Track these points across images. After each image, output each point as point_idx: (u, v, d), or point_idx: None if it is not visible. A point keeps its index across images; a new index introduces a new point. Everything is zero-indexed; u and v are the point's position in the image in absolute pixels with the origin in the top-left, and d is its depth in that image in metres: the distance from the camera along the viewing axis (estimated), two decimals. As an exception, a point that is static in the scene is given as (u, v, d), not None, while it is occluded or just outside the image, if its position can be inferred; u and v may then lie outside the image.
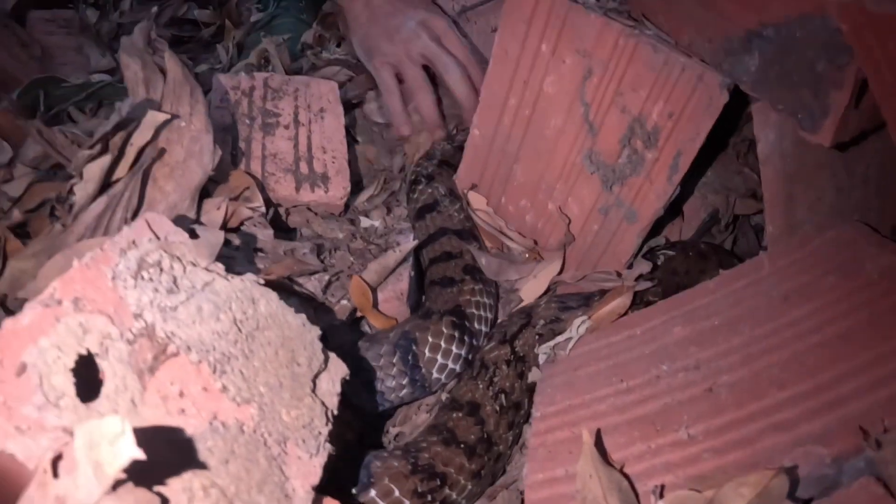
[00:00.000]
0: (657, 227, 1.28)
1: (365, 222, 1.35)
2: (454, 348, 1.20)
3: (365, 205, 1.43)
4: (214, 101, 1.37)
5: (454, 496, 1.10)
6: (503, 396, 1.21)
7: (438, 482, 1.08)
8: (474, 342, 1.24)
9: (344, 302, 1.20)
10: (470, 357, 1.24)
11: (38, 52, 1.81)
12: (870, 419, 0.91)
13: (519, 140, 1.31)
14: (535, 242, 1.37)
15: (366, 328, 1.23)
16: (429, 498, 1.07)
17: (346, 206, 1.37)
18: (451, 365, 1.20)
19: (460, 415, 1.16)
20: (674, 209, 1.25)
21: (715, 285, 1.20)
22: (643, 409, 1.07)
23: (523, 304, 1.29)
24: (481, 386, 1.19)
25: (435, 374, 1.18)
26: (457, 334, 1.20)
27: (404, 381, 1.16)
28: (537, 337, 1.24)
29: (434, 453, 1.09)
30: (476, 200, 1.38)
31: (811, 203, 1.26)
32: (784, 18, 1.08)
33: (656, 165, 1.20)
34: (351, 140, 1.55)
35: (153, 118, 1.09)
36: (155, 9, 1.74)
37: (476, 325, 1.23)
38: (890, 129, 1.03)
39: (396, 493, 1.04)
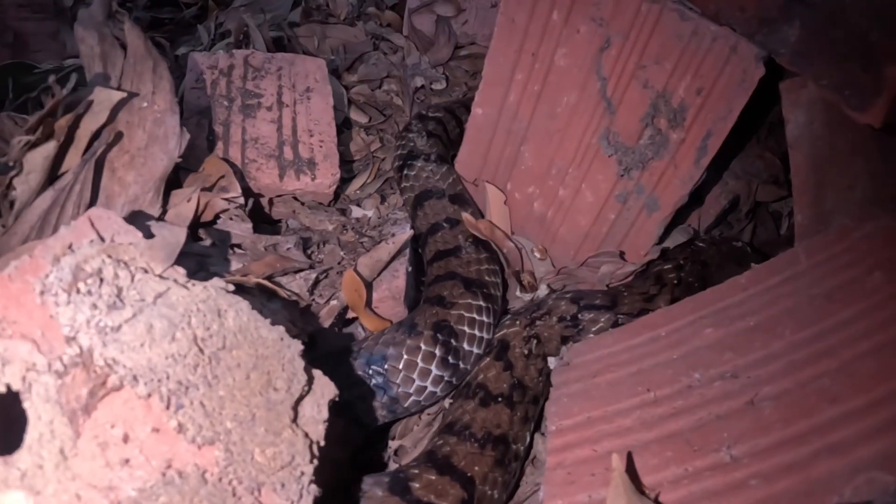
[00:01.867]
0: (678, 217, 1.04)
1: (357, 212, 1.11)
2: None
3: (357, 193, 1.19)
4: (189, 81, 1.13)
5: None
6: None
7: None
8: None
9: (334, 302, 0.95)
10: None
11: (10, 38, 1.54)
12: (937, 439, 0.71)
13: (527, 119, 1.07)
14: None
15: (360, 331, 0.99)
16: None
17: (337, 194, 1.14)
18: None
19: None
20: (694, 194, 1.01)
21: (747, 281, 0.97)
22: (675, 423, 0.85)
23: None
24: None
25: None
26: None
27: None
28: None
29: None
30: (494, 196, 1.11)
31: (842, 191, 1.03)
32: None
33: (682, 147, 0.96)
34: (344, 122, 1.30)
35: (107, 97, 0.84)
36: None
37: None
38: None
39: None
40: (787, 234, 1.22)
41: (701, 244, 1.11)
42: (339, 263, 1.01)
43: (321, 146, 1.10)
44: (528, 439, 0.96)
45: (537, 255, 1.11)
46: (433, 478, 0.83)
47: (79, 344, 0.60)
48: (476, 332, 0.95)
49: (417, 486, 0.83)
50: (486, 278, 1.00)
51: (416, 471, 0.84)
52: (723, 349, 0.91)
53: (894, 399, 0.75)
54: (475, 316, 0.94)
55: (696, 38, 0.90)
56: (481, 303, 0.95)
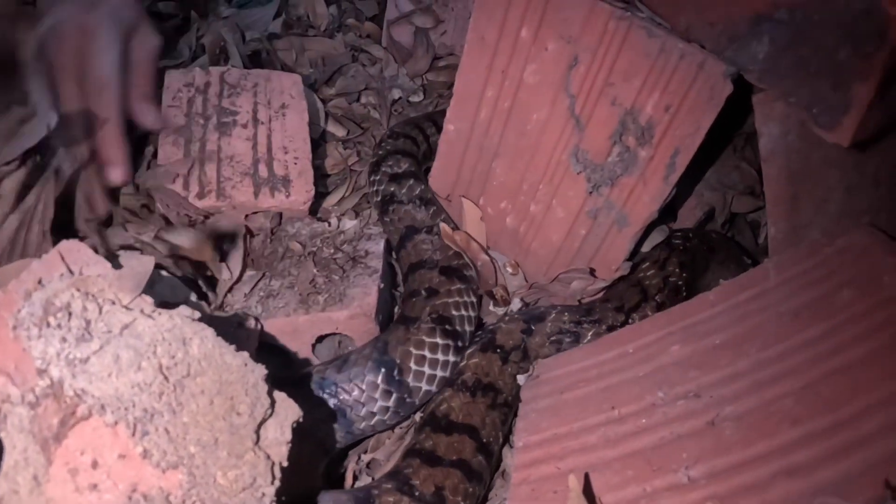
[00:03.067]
0: (650, 230, 1.08)
1: (333, 225, 1.14)
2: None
3: (335, 208, 1.22)
4: (166, 100, 1.15)
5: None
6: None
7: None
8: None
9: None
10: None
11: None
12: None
13: (498, 136, 1.09)
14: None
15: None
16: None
17: (314, 209, 1.16)
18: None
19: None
20: (667, 208, 1.04)
21: (716, 297, 1.00)
22: (638, 442, 0.88)
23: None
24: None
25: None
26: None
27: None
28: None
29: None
30: (471, 212, 1.15)
31: (817, 204, 1.06)
32: (800, 0, 0.87)
33: (651, 164, 0.99)
34: (322, 135, 1.35)
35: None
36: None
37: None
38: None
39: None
40: (765, 243, 1.24)
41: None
42: (310, 282, 1.06)
43: (296, 163, 1.12)
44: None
45: (509, 269, 1.13)
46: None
47: (50, 376, 0.64)
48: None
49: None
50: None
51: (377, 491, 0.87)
52: (688, 367, 0.93)
53: (855, 422, 0.77)
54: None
55: (664, 55, 0.92)
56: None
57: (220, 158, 1.11)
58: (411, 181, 1.18)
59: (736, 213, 1.24)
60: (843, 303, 0.92)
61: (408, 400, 0.99)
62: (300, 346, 1.05)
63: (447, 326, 1.01)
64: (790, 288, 0.98)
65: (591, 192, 1.02)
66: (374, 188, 1.20)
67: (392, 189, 1.17)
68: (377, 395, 0.96)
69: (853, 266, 0.96)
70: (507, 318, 1.07)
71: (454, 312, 1.03)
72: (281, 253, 1.12)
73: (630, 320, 1.06)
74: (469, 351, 1.03)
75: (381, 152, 1.23)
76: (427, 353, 0.99)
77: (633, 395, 0.94)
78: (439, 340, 0.99)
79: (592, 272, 1.06)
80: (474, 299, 1.07)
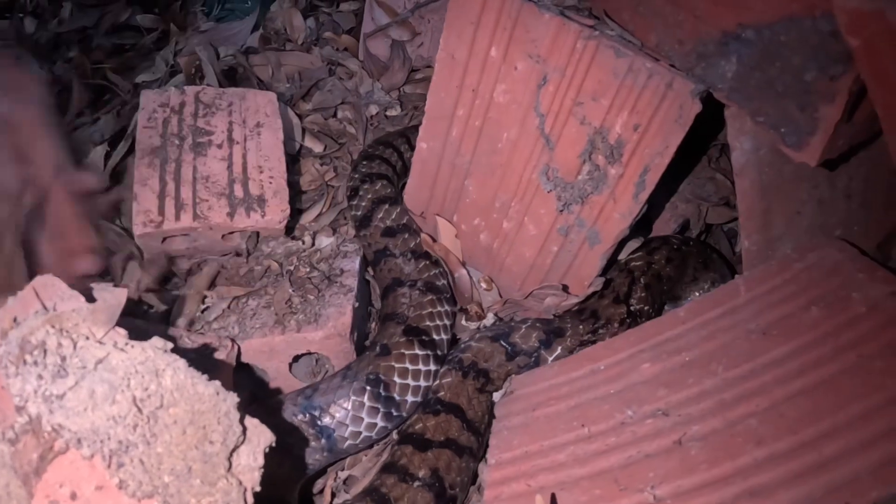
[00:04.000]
0: (622, 246, 1.11)
1: (308, 243, 1.18)
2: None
3: (312, 224, 1.24)
4: (142, 120, 1.16)
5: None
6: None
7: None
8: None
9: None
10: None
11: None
12: (857, 488, 0.77)
13: (470, 153, 1.11)
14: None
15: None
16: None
17: (291, 227, 1.18)
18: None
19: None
20: (642, 221, 1.08)
21: (686, 314, 1.03)
22: (606, 461, 0.91)
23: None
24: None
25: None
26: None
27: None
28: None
29: None
30: (446, 230, 1.17)
31: (790, 216, 1.09)
32: (767, 20, 0.88)
33: (620, 182, 1.01)
34: (298, 152, 1.37)
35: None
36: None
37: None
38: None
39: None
40: (741, 253, 1.29)
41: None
42: (286, 302, 1.10)
43: (271, 182, 1.14)
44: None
45: (483, 285, 1.15)
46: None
47: (28, 413, 0.66)
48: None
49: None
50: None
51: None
52: (657, 385, 0.95)
53: (818, 444, 0.80)
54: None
55: (632, 74, 0.93)
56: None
57: (195, 179, 1.13)
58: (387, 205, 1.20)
59: (711, 224, 1.27)
60: (811, 321, 0.94)
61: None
62: (277, 364, 1.08)
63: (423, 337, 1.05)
64: (760, 305, 1.00)
65: (561, 211, 1.04)
66: (353, 212, 1.22)
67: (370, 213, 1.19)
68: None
69: (823, 282, 0.99)
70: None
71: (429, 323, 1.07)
72: (258, 272, 1.15)
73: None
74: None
75: (356, 176, 1.25)
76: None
77: (603, 413, 0.97)
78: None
79: (565, 288, 1.09)
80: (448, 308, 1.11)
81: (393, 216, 1.17)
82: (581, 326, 1.08)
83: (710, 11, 0.93)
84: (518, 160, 1.07)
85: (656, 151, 0.97)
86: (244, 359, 1.06)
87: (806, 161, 0.91)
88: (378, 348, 1.03)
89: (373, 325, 1.18)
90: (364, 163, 1.25)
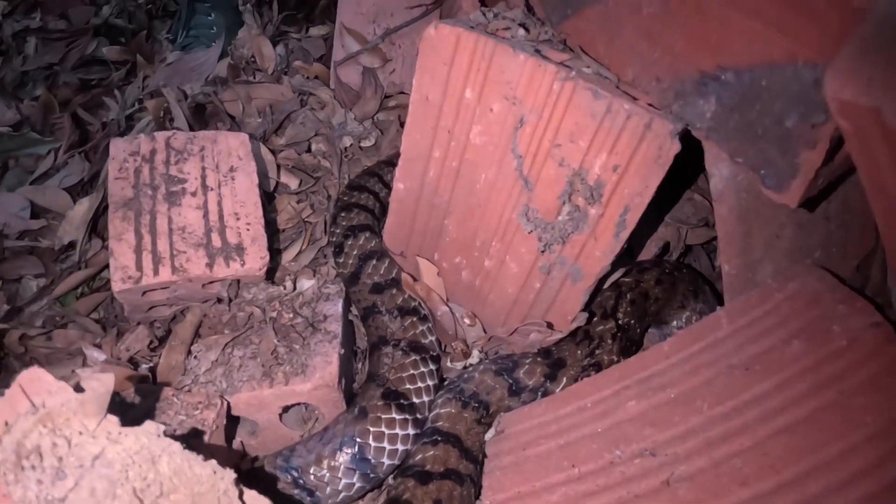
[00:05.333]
0: (604, 281, 1.06)
1: (289, 286, 1.11)
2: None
3: (292, 264, 1.16)
4: (113, 171, 1.07)
5: None
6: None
7: None
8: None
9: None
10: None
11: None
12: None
13: (448, 194, 1.03)
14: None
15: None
16: None
17: (272, 270, 1.10)
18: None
19: None
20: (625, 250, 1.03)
21: (670, 348, 0.98)
22: (597, 502, 0.87)
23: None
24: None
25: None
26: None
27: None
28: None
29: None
30: (427, 270, 1.10)
31: (769, 240, 1.04)
32: (747, 64, 0.81)
33: (601, 222, 0.94)
34: (274, 189, 1.29)
35: None
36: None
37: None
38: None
39: None
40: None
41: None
42: (272, 353, 1.04)
43: (248, 229, 1.06)
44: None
45: (467, 320, 1.09)
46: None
47: None
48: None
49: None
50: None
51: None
52: (644, 424, 0.90)
53: (801, 482, 0.77)
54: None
55: (610, 115, 0.86)
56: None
57: (171, 230, 1.04)
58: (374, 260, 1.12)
59: (691, 245, 1.22)
60: (792, 355, 0.89)
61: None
62: (267, 416, 1.00)
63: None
64: (742, 338, 0.95)
65: (543, 251, 0.99)
66: (340, 269, 1.15)
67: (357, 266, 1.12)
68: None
69: (803, 314, 0.94)
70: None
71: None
72: (241, 318, 1.08)
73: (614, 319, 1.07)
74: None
75: (337, 231, 1.17)
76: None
77: (592, 452, 0.92)
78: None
79: (550, 325, 1.04)
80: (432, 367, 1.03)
81: (381, 271, 1.09)
82: (579, 351, 1.03)
83: (687, 51, 0.86)
84: (497, 201, 1.00)
85: (636, 192, 0.91)
86: (234, 412, 0.99)
87: (787, 202, 0.85)
88: (357, 410, 0.96)
89: (359, 365, 1.13)
90: (343, 214, 1.16)
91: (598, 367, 1.04)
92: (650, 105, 0.90)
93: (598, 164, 0.92)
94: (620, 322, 1.07)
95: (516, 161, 0.96)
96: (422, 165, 1.04)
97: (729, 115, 0.86)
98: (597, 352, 1.05)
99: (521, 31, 0.97)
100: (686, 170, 1.23)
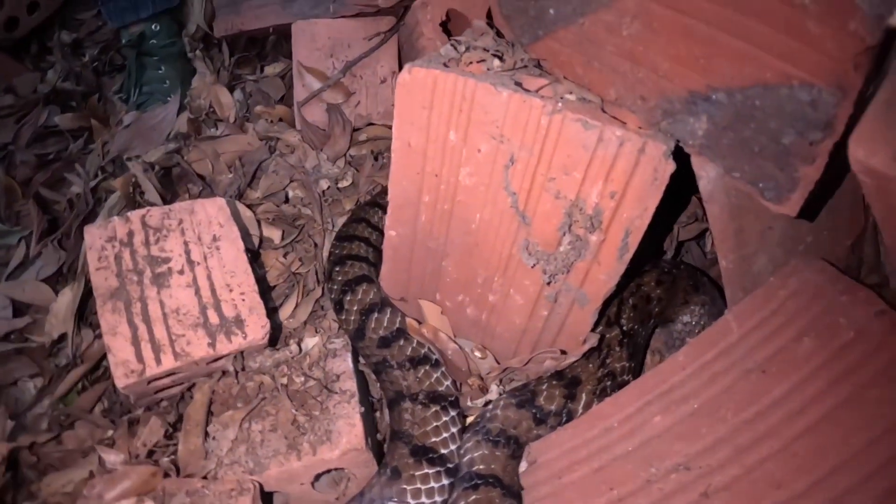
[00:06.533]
0: (611, 300, 1.01)
1: (294, 347, 1.04)
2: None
3: (290, 321, 1.08)
4: (92, 262, 0.96)
5: None
6: None
7: None
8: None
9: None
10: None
11: None
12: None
13: (443, 236, 0.96)
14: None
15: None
16: None
17: (274, 337, 1.02)
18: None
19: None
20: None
21: (685, 359, 0.94)
22: None
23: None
24: None
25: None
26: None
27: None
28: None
29: None
30: (430, 311, 1.04)
31: (762, 232, 1.00)
32: (738, 84, 0.75)
33: (603, 247, 0.88)
34: (259, 245, 1.19)
35: None
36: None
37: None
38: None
39: None
40: (713, 256, 1.20)
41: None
42: (293, 423, 0.98)
43: (243, 299, 0.98)
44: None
45: (478, 353, 1.03)
46: None
47: None
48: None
49: None
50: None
51: None
52: (672, 438, 0.86)
53: (830, 479, 0.76)
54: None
55: (603, 144, 0.80)
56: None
57: (165, 315, 0.95)
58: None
59: (683, 240, 1.18)
60: (805, 353, 0.86)
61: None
62: (299, 487, 0.94)
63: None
64: (753, 341, 0.91)
65: (548, 283, 0.94)
66: (345, 326, 1.07)
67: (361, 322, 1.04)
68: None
69: (809, 309, 0.91)
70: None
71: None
72: (251, 388, 1.01)
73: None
74: None
75: (335, 287, 1.08)
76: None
77: (627, 472, 0.88)
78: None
79: (563, 352, 1.00)
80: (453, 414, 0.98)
81: (385, 324, 1.01)
82: (590, 365, 0.99)
83: (674, 71, 0.80)
84: (495, 239, 0.93)
85: (635, 215, 0.86)
86: (265, 488, 0.92)
87: (786, 212, 0.80)
88: (389, 471, 0.90)
89: (377, 413, 1.07)
90: (337, 269, 1.08)
91: (613, 375, 1.00)
92: (639, 127, 0.85)
93: (594, 193, 0.86)
94: (625, 328, 1.03)
95: (511, 198, 0.90)
96: (412, 211, 0.97)
97: (722, 133, 0.80)
98: (607, 361, 1.01)
99: (497, 62, 0.90)
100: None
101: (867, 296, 0.88)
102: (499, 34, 0.99)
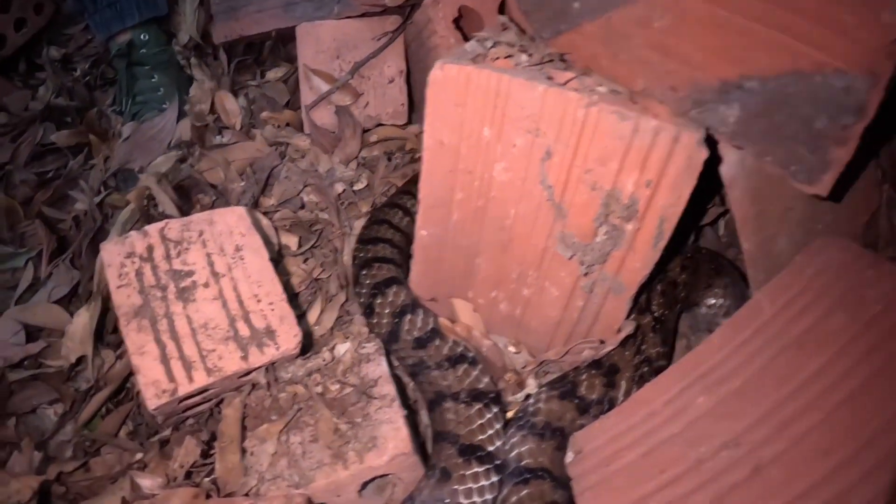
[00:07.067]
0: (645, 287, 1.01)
1: (326, 354, 1.00)
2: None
3: (317, 328, 1.04)
4: (112, 280, 0.90)
5: None
6: None
7: None
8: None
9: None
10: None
11: None
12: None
13: (476, 234, 0.93)
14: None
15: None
16: None
17: (305, 346, 0.97)
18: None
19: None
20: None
21: (721, 340, 0.94)
22: (696, 501, 0.82)
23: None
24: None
25: None
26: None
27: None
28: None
29: None
30: (463, 310, 1.01)
31: (782, 214, 1.01)
32: (772, 73, 0.74)
33: (639, 235, 0.87)
34: (279, 252, 1.14)
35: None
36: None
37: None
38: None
39: None
40: (726, 237, 1.20)
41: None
42: (334, 432, 0.94)
43: (272, 309, 0.93)
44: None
45: (512, 349, 1.02)
46: None
47: None
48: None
49: None
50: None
51: None
52: (718, 418, 0.86)
53: (875, 441, 0.77)
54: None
55: (639, 135, 0.79)
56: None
57: (193, 330, 0.90)
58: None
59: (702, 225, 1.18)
60: (837, 327, 0.87)
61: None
62: (346, 497, 0.90)
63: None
64: (785, 318, 0.92)
65: (586, 274, 0.93)
66: (377, 330, 1.04)
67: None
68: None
69: (836, 286, 0.92)
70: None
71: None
72: (284, 400, 0.97)
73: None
74: None
75: (363, 291, 1.05)
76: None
77: (676, 455, 0.87)
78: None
79: (601, 341, 1.00)
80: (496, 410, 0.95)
81: (419, 325, 0.98)
82: (626, 353, 0.98)
83: (707, 62, 0.79)
84: (530, 233, 0.91)
85: (670, 203, 0.85)
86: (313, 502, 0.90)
87: (818, 193, 0.81)
88: (438, 473, 0.87)
89: (421, 413, 1.04)
90: (364, 273, 1.04)
91: (649, 361, 1.00)
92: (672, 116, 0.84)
93: (630, 182, 0.85)
94: (656, 314, 1.03)
95: (547, 192, 0.88)
96: (444, 210, 0.94)
97: (754, 120, 0.80)
98: (643, 347, 1.00)
99: (524, 57, 0.88)
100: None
101: (891, 269, 0.89)
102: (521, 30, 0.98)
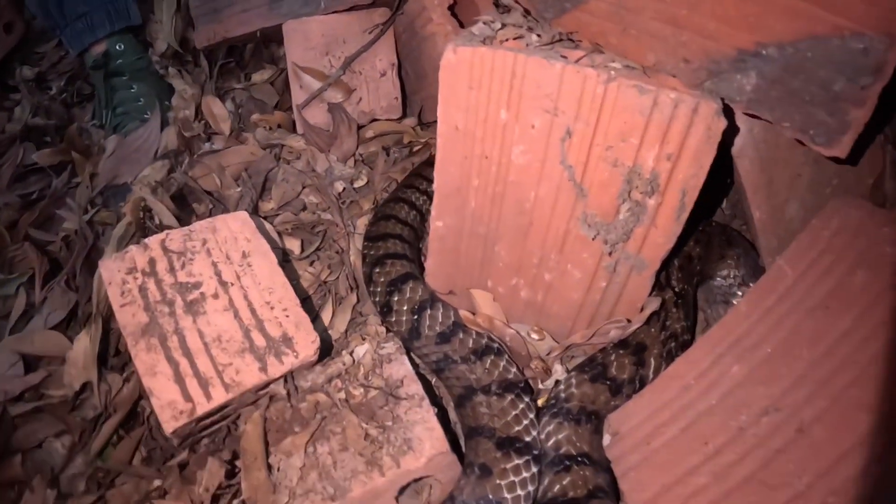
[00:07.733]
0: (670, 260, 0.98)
1: (346, 358, 0.94)
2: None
3: (330, 333, 0.97)
4: (115, 298, 0.83)
5: None
6: None
7: None
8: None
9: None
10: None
11: None
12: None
13: (495, 220, 0.89)
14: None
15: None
16: None
17: (323, 353, 0.90)
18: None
19: None
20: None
21: (747, 308, 0.92)
22: (744, 468, 0.80)
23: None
24: None
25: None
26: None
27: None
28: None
29: None
30: (483, 300, 0.97)
31: (791, 180, 0.99)
32: (790, 39, 0.73)
33: (661, 210, 0.83)
34: (283, 257, 1.07)
35: None
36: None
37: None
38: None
39: None
40: (730, 209, 1.19)
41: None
42: (364, 438, 0.88)
43: (287, 315, 0.87)
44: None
45: (535, 336, 0.97)
46: None
47: None
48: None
49: None
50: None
51: None
52: (754, 384, 0.85)
53: None
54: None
55: (658, 108, 0.75)
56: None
57: (206, 344, 0.83)
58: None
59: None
60: (860, 285, 0.87)
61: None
62: (383, 502, 0.87)
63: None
64: (809, 281, 0.90)
65: (610, 253, 0.89)
66: (396, 328, 0.99)
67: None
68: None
69: (855, 244, 0.90)
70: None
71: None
72: (306, 409, 0.91)
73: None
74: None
75: (378, 290, 0.99)
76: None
77: (717, 425, 0.84)
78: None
79: (628, 320, 0.96)
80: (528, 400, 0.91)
81: (440, 319, 0.93)
82: (652, 329, 0.95)
83: (722, 32, 0.76)
84: (550, 216, 0.87)
85: (691, 174, 0.82)
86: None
87: (837, 154, 0.79)
88: (477, 469, 0.83)
89: (448, 409, 0.99)
90: (377, 270, 0.98)
91: (675, 336, 0.97)
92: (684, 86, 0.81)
93: (651, 157, 0.81)
94: (676, 289, 1.00)
95: (567, 172, 0.84)
96: (461, 198, 0.89)
97: (771, 87, 0.78)
98: (667, 323, 0.97)
99: (534, 37, 0.84)
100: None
101: (907, 224, 0.88)
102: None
